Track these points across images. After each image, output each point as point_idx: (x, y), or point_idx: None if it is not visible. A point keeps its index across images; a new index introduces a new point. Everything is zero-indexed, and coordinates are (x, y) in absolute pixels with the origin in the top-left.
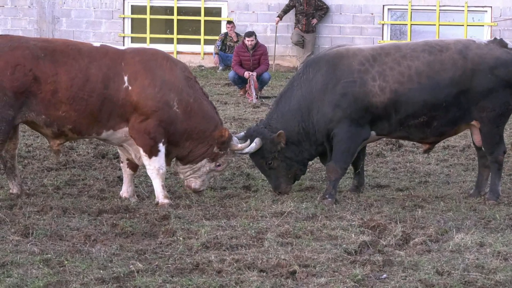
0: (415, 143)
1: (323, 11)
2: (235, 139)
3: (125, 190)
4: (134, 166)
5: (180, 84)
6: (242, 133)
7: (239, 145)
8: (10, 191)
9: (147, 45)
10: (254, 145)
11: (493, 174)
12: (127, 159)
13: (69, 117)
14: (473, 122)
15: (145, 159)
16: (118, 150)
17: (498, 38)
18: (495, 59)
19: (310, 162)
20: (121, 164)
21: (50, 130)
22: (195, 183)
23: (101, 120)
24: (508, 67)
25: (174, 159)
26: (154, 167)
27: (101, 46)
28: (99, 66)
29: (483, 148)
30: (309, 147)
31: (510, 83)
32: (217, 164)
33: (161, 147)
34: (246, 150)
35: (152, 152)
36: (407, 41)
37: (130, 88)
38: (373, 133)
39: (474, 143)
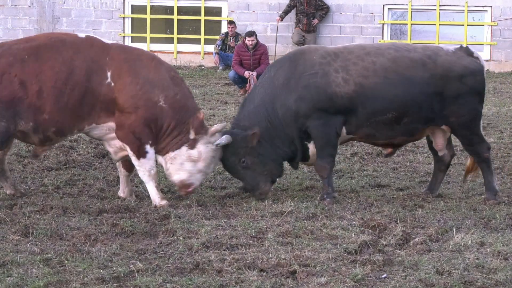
0: (415, 142)
1: (323, 11)
2: (211, 128)
3: (122, 190)
4: (129, 166)
5: (165, 81)
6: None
7: (213, 128)
8: (4, 190)
9: (147, 45)
10: (224, 139)
11: (484, 173)
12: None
13: (52, 118)
14: (444, 127)
15: (133, 159)
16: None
17: (464, 46)
18: (463, 68)
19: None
20: (117, 164)
21: (37, 138)
22: (179, 175)
23: (82, 115)
24: (476, 76)
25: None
26: (145, 168)
27: (86, 37)
28: (84, 57)
29: (467, 152)
30: (281, 145)
31: (477, 90)
32: (199, 150)
33: (149, 149)
34: (218, 141)
35: (139, 153)
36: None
37: (112, 85)
38: (344, 130)
39: (432, 147)
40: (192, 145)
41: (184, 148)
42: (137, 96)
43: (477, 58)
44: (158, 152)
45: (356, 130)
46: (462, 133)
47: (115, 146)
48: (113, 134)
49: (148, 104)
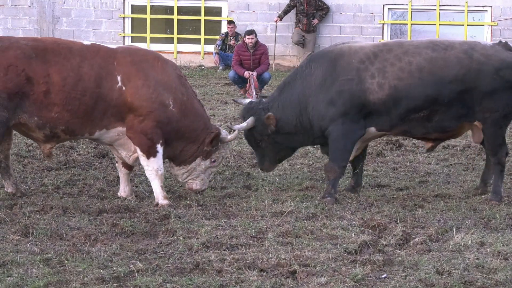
0: (415, 142)
1: (323, 11)
2: (224, 132)
3: (122, 190)
4: (129, 165)
5: (174, 83)
6: (247, 100)
7: (229, 137)
8: (5, 189)
9: (147, 45)
10: (245, 124)
11: (495, 175)
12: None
13: (62, 117)
14: (476, 123)
15: (143, 159)
16: (112, 150)
17: (503, 41)
18: (500, 61)
19: (310, 162)
20: (116, 164)
21: (42, 133)
22: (195, 184)
23: (94, 120)
24: None
25: (168, 162)
26: (153, 168)
27: (91, 44)
28: (91, 64)
29: (485, 150)
30: (303, 139)
31: None
32: (212, 160)
33: (159, 148)
34: (237, 128)
35: (150, 153)
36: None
37: (124, 88)
38: (373, 129)
39: (474, 142)
40: (206, 156)
41: (198, 160)
42: (151, 99)
43: None
44: (172, 160)
45: (390, 129)
46: (491, 130)
47: (129, 149)
48: (123, 140)
49: (160, 108)
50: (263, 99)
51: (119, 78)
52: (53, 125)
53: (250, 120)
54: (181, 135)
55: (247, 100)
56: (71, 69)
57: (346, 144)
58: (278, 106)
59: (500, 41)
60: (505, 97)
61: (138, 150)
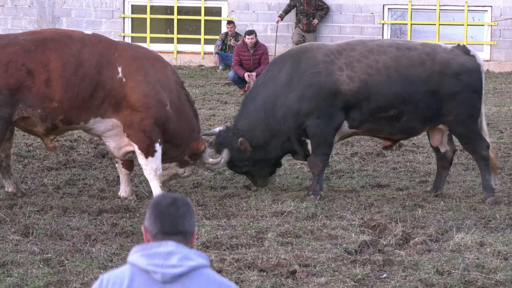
0: (415, 142)
1: (323, 11)
2: (207, 151)
3: (123, 190)
4: (130, 165)
5: (171, 85)
6: (217, 129)
7: (210, 160)
8: (5, 189)
9: (147, 45)
10: (223, 160)
11: (482, 171)
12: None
13: (61, 106)
14: (441, 126)
15: (141, 158)
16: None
17: (461, 44)
18: (460, 65)
19: None
20: (117, 165)
21: (44, 126)
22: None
23: (91, 107)
24: (472, 74)
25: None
26: (151, 167)
27: (93, 34)
28: (92, 52)
29: (465, 150)
30: (275, 146)
31: (474, 88)
32: (184, 171)
33: (158, 147)
34: (217, 166)
35: (148, 151)
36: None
37: (124, 80)
38: (345, 123)
39: (431, 145)
40: (182, 165)
41: (173, 164)
42: (150, 96)
43: (473, 56)
44: None
45: (359, 125)
46: (460, 131)
47: (119, 142)
48: (115, 131)
49: (158, 105)
50: (229, 126)
51: (119, 69)
52: (54, 115)
53: (225, 154)
54: (170, 137)
55: (216, 129)
56: (72, 55)
57: (325, 137)
58: (244, 117)
59: (458, 45)
60: (467, 100)
61: (136, 148)
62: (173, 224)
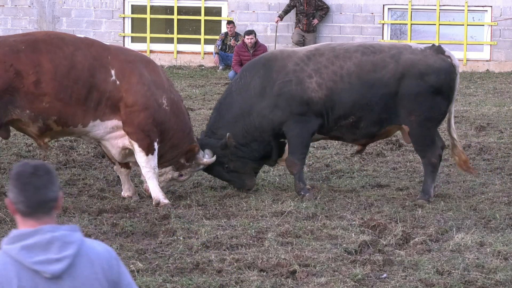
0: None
1: (323, 11)
2: (201, 152)
3: (127, 189)
4: (128, 164)
5: (165, 84)
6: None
7: (205, 160)
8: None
9: (147, 45)
10: (210, 156)
11: (426, 175)
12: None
13: (53, 107)
14: (404, 126)
15: (140, 156)
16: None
17: (436, 44)
18: (427, 66)
19: (310, 162)
20: (115, 167)
21: (36, 126)
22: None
23: (87, 109)
24: (440, 74)
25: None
26: (150, 166)
27: (85, 37)
28: (85, 54)
29: (416, 152)
30: (257, 147)
31: (440, 89)
32: (180, 174)
33: (156, 146)
34: (206, 161)
35: (148, 149)
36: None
37: (118, 83)
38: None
39: (406, 143)
40: (178, 168)
41: (169, 168)
42: (146, 96)
43: (448, 57)
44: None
45: (326, 133)
46: (417, 132)
47: (117, 146)
48: (116, 133)
49: (155, 105)
50: (202, 132)
51: (113, 72)
52: (45, 116)
53: (208, 152)
54: (168, 137)
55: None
56: (64, 57)
57: (303, 140)
58: (222, 124)
59: (433, 45)
60: (429, 101)
61: (136, 146)
62: (37, 195)
